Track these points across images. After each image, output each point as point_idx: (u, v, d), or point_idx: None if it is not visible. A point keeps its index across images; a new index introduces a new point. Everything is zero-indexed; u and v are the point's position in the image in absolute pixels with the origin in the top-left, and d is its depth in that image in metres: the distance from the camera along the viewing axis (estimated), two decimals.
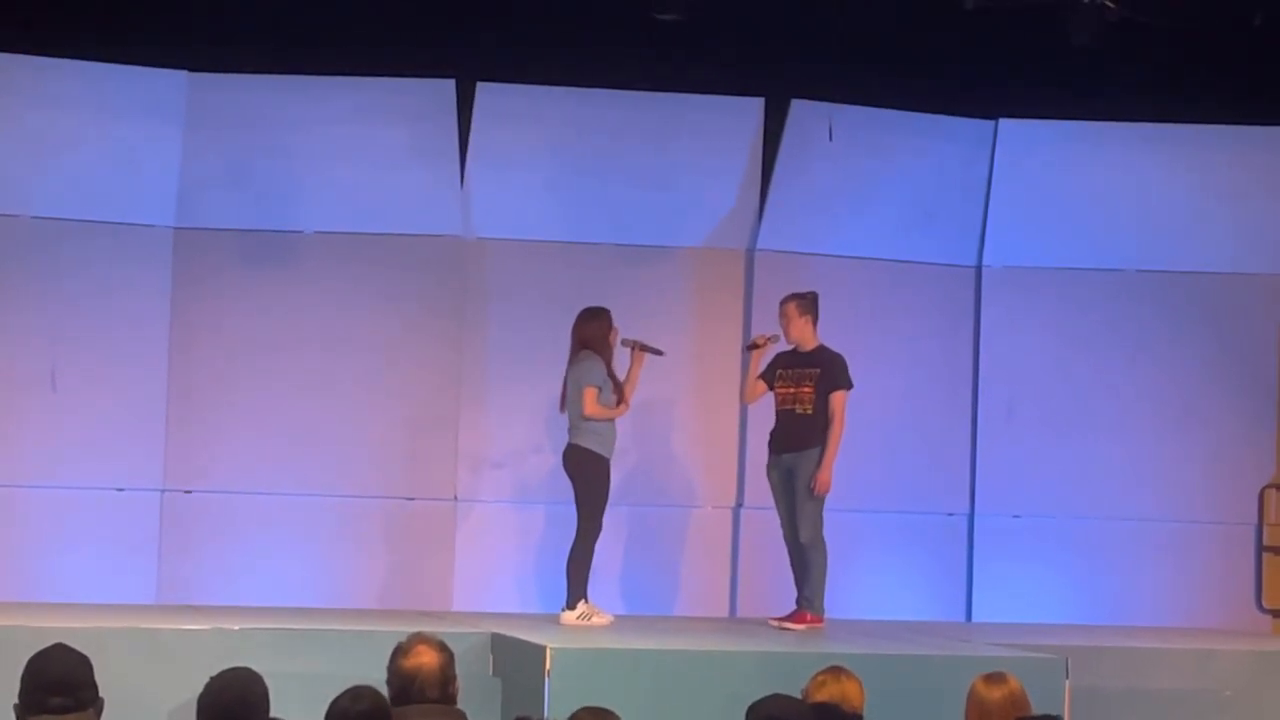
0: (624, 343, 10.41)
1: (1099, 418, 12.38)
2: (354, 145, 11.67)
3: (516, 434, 11.77)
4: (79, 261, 11.37)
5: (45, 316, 11.35)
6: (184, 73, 11.49)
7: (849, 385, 10.36)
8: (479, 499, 11.83)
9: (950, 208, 12.41)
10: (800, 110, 12.01)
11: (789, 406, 10.42)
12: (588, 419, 10.24)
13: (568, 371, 10.36)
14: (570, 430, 10.32)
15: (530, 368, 11.48)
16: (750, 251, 12.14)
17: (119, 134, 11.43)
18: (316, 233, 11.75)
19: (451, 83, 11.69)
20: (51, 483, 11.28)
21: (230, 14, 11.19)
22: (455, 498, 11.79)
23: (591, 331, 10.34)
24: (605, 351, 10.30)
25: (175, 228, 11.56)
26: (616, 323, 10.43)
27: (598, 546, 10.35)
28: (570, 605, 10.19)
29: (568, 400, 10.36)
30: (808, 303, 10.48)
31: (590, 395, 10.22)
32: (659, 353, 10.50)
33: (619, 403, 10.32)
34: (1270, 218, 12.44)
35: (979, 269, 12.49)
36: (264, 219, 11.64)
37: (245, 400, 11.56)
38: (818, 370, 10.35)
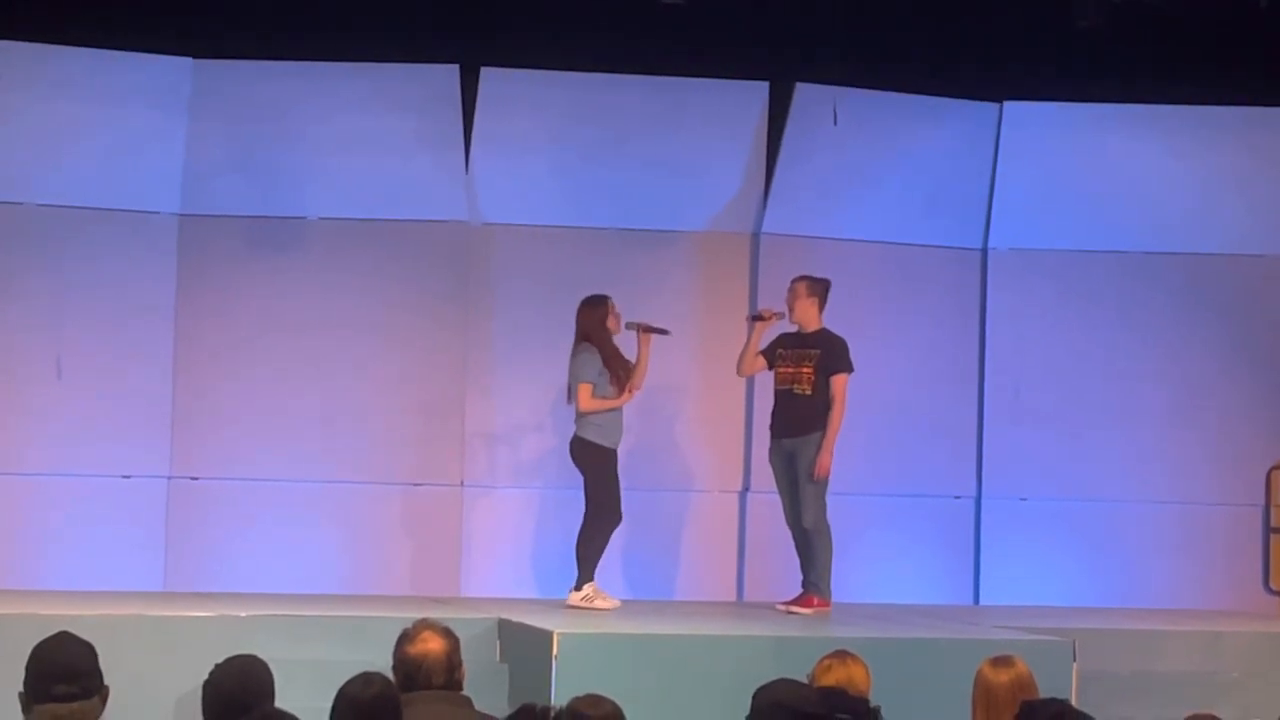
0: (628, 326, 10.41)
1: (1106, 400, 12.37)
2: (358, 131, 11.66)
3: (523, 419, 11.77)
4: (84, 249, 11.38)
5: (50, 304, 11.36)
6: (189, 59, 11.49)
7: (850, 369, 10.37)
8: (486, 484, 11.83)
9: (956, 191, 12.39)
10: (805, 94, 12.00)
11: (787, 386, 10.42)
12: (584, 414, 10.26)
13: (569, 363, 10.39)
14: (575, 421, 10.35)
15: (536, 352, 11.47)
16: (755, 235, 12.13)
17: (124, 121, 11.43)
18: (321, 219, 11.75)
19: (455, 68, 11.69)
20: (58, 470, 11.29)
21: (234, 1, 11.18)
22: (462, 483, 11.79)
23: (589, 321, 10.34)
24: (604, 341, 10.30)
25: (180, 214, 11.56)
26: (621, 308, 10.43)
27: None
28: (577, 586, 10.19)
29: (569, 395, 10.40)
30: (818, 286, 10.50)
31: (584, 391, 10.24)
32: (665, 332, 10.50)
33: (620, 392, 10.31)
34: (1276, 199, 12.42)
35: (985, 252, 12.47)
36: (269, 205, 11.64)
37: (251, 387, 11.56)
38: (818, 352, 10.36)
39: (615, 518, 10.30)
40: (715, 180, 12.10)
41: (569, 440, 10.39)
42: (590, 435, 10.28)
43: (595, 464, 10.27)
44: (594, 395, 10.25)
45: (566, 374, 10.41)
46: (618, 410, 10.33)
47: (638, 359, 10.41)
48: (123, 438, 11.41)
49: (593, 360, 10.25)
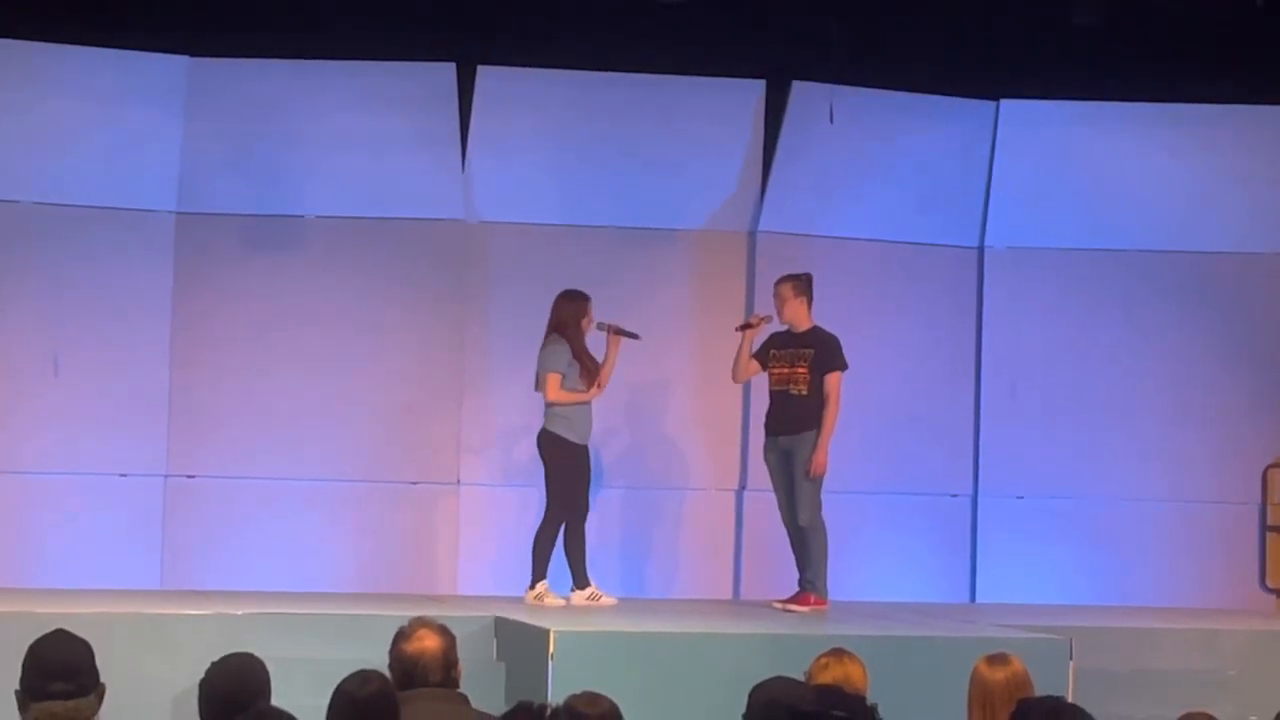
0: (599, 326, 10.44)
1: (1102, 398, 12.37)
2: (355, 130, 11.67)
3: (519, 417, 11.75)
4: (81, 247, 11.37)
5: (47, 302, 11.36)
6: (185, 58, 11.49)
7: (844, 366, 10.37)
8: (482, 483, 11.83)
9: (952, 189, 12.39)
10: (801, 92, 12.00)
11: (783, 387, 10.42)
12: (551, 405, 10.28)
13: (538, 354, 10.42)
14: (544, 414, 10.38)
15: (532, 351, 11.40)
16: (752, 233, 12.13)
17: (120, 119, 11.43)
18: (318, 217, 11.75)
19: (452, 67, 11.69)
20: (55, 469, 11.28)
21: (231, 0, 11.22)
22: (458, 481, 11.80)
23: (564, 314, 10.40)
24: (575, 335, 10.33)
25: (177, 213, 11.56)
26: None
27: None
28: (531, 585, 10.22)
29: (537, 383, 10.45)
30: (803, 284, 10.49)
31: (553, 381, 10.28)
32: (634, 336, 10.52)
33: (590, 386, 10.33)
34: (1274, 197, 12.42)
35: (981, 250, 12.47)
36: (265, 204, 11.64)
37: (247, 385, 11.56)
38: (812, 351, 10.36)
39: (577, 514, 10.32)
40: (712, 178, 12.10)
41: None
42: (557, 429, 10.33)
43: (558, 458, 10.32)
44: (562, 387, 10.28)
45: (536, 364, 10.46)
46: (586, 405, 10.37)
47: (605, 359, 10.44)
48: (120, 436, 11.41)
49: (562, 351, 10.30)
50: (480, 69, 11.72)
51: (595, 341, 10.48)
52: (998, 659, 6.00)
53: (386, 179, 11.68)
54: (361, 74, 11.68)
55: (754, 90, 12.08)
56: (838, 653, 6.15)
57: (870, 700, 5.68)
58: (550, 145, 11.95)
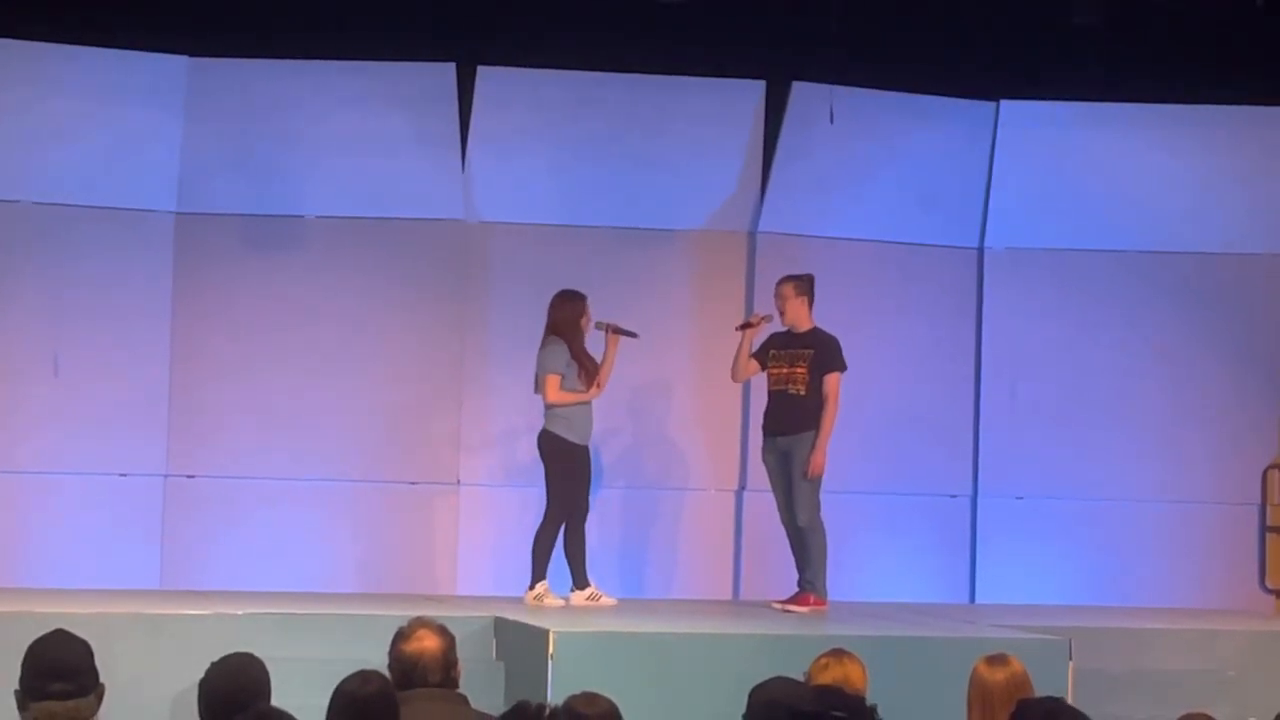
0: (598, 325, 10.44)
1: (1102, 399, 12.37)
2: (355, 130, 11.66)
3: (519, 417, 11.75)
4: (81, 247, 11.37)
5: (47, 302, 11.36)
6: (184, 58, 11.49)
7: (843, 367, 10.37)
8: (482, 483, 11.83)
9: (952, 190, 12.39)
10: (801, 92, 12.00)
11: (781, 387, 10.42)
12: (551, 406, 10.28)
13: (537, 354, 10.43)
14: (544, 415, 10.38)
15: (532, 351, 11.42)
16: (752, 234, 12.13)
17: (120, 119, 11.43)
18: (318, 217, 11.74)
19: (452, 67, 11.69)
20: (54, 469, 11.28)
21: None
22: (458, 481, 11.80)
23: (561, 315, 10.40)
24: (574, 336, 10.34)
25: (177, 213, 11.56)
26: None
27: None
28: (531, 585, 10.23)
29: (536, 385, 10.45)
30: (804, 284, 10.50)
31: (552, 382, 10.28)
32: (633, 335, 10.52)
33: (589, 386, 10.33)
34: (1274, 197, 12.42)
35: (981, 251, 12.47)
36: (265, 204, 11.64)
37: (247, 385, 11.56)
38: (811, 351, 10.36)
39: (577, 514, 10.32)
40: (712, 179, 12.10)
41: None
42: (558, 429, 10.33)
43: (560, 459, 10.31)
44: (562, 387, 10.29)
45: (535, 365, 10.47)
46: (586, 405, 10.37)
47: (604, 359, 10.44)
48: (119, 436, 11.41)
49: (560, 352, 10.30)
50: (480, 69, 11.72)
51: (594, 341, 10.49)
52: (997, 659, 6.01)
53: (386, 179, 11.68)
54: (361, 74, 11.68)
55: (754, 90, 12.08)
56: (837, 653, 6.15)
57: (870, 700, 5.68)
58: (550, 145, 11.95)
